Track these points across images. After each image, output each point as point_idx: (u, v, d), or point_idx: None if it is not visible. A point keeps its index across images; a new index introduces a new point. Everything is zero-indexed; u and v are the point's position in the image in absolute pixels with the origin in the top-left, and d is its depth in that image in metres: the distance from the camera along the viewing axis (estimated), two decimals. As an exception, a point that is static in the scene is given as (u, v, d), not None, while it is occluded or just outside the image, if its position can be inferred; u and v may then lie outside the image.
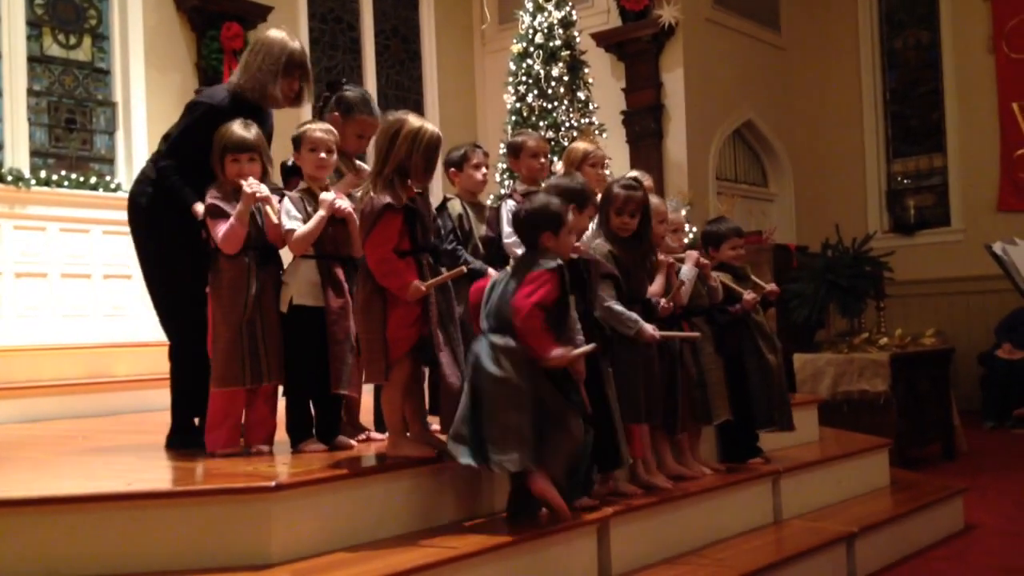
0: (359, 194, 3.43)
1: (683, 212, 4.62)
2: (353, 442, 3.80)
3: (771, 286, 4.65)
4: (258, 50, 3.90)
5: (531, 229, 3.42)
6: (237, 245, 3.65)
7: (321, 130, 3.77)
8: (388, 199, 3.32)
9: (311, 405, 3.78)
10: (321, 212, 3.64)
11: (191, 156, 3.82)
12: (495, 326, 3.33)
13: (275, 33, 3.95)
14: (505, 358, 3.24)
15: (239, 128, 3.76)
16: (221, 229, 3.66)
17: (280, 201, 3.72)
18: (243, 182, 3.65)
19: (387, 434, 3.62)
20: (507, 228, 4.22)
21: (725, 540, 4.05)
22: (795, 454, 4.85)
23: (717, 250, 4.57)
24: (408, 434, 3.50)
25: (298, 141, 3.80)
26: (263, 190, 3.66)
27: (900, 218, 10.50)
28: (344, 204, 3.69)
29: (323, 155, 3.75)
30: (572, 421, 3.27)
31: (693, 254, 4.34)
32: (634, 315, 3.77)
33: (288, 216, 3.66)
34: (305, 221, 3.66)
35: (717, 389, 4.31)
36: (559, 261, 3.33)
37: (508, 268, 3.48)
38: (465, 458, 3.22)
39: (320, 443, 3.71)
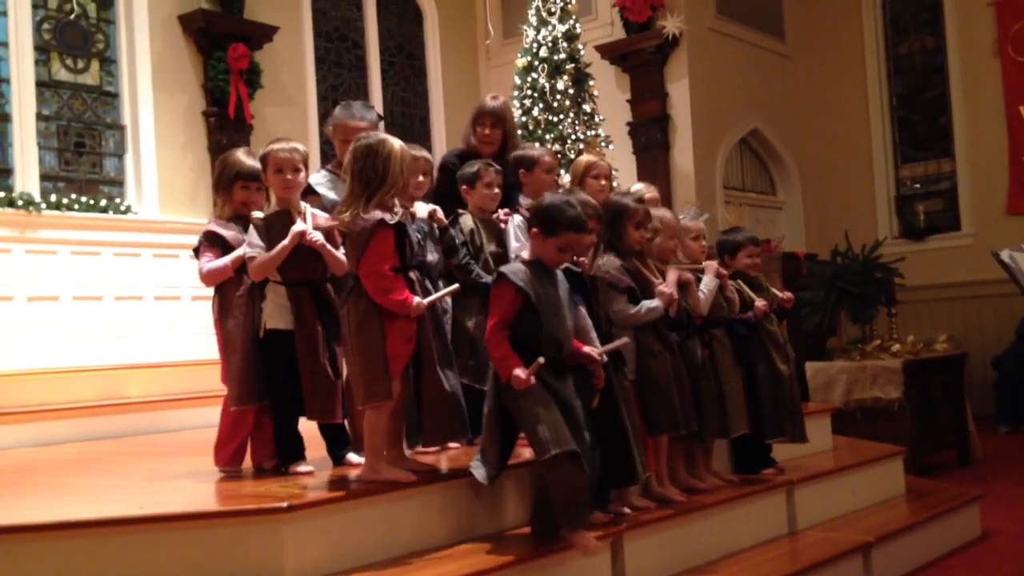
0: (345, 216, 3.38)
1: (702, 219, 4.63)
2: (361, 459, 3.74)
3: (786, 294, 4.67)
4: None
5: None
6: (216, 282, 3.76)
7: (286, 149, 3.69)
8: (380, 215, 3.31)
9: (320, 427, 3.76)
10: (284, 242, 3.57)
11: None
12: None
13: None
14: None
15: (247, 157, 3.85)
16: (212, 262, 3.73)
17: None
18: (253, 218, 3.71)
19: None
20: (515, 243, 4.24)
21: (740, 552, 4.04)
22: (809, 463, 4.83)
23: (733, 258, 4.60)
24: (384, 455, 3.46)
25: (262, 162, 3.71)
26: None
27: (910, 224, 10.46)
28: (316, 236, 3.56)
29: (289, 176, 3.67)
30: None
31: (713, 265, 4.36)
32: (649, 301, 3.83)
33: (249, 244, 3.64)
34: (270, 246, 3.60)
35: (735, 401, 4.31)
36: (515, 277, 3.29)
37: None
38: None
39: (310, 465, 3.67)
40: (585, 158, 4.75)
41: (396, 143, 3.42)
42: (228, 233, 3.78)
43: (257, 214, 3.76)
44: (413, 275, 3.43)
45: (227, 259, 3.71)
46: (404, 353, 3.34)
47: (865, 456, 5.22)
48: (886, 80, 10.68)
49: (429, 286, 3.53)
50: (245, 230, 3.75)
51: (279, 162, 3.68)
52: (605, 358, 3.46)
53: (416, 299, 3.32)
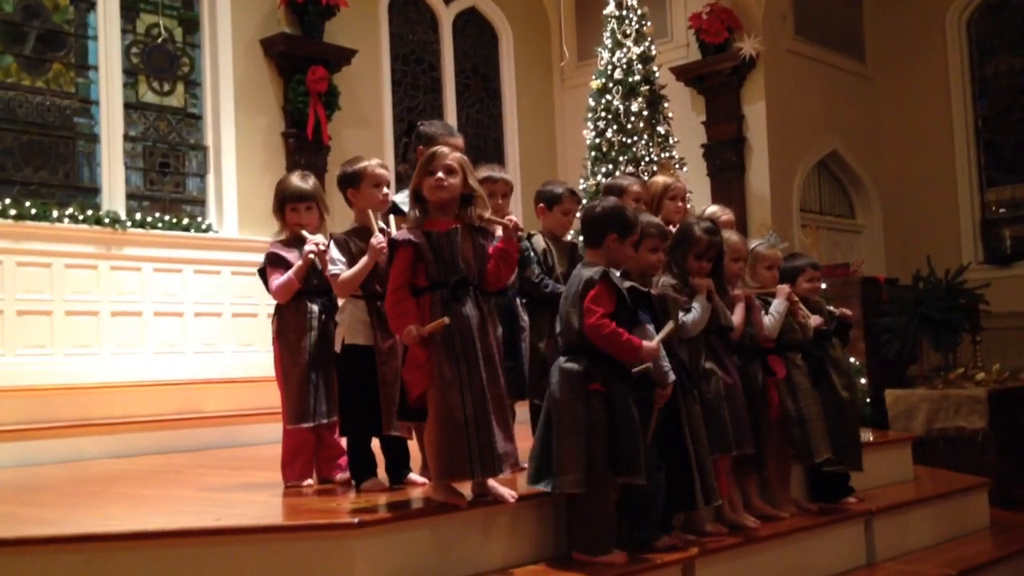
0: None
1: (780, 248, 4.59)
2: (424, 479, 3.73)
3: (842, 310, 4.66)
4: None
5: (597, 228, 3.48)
6: (288, 296, 3.85)
7: (382, 166, 3.81)
8: (396, 233, 3.30)
9: (381, 444, 3.78)
10: (365, 259, 3.59)
11: None
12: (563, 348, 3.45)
13: None
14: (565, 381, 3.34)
15: (297, 179, 3.99)
16: (277, 279, 3.85)
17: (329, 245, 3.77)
18: (308, 239, 3.81)
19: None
20: None
21: (816, 582, 3.94)
22: (889, 493, 4.71)
23: (793, 284, 4.55)
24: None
25: (354, 178, 3.75)
26: (322, 247, 3.77)
27: (995, 249, 10.15)
28: None
29: (386, 190, 3.79)
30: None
31: (784, 288, 4.33)
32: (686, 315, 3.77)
33: (332, 261, 3.67)
34: (352, 261, 3.64)
35: (816, 425, 4.22)
36: (616, 280, 3.36)
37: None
38: (534, 483, 3.33)
39: (382, 482, 3.70)
40: (662, 179, 4.74)
41: (431, 150, 3.36)
42: (289, 255, 3.91)
43: (314, 237, 3.84)
44: (439, 296, 3.24)
45: (290, 273, 3.84)
46: (417, 378, 3.22)
47: (948, 487, 5.06)
48: (971, 101, 10.41)
49: (471, 309, 3.25)
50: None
51: (378, 178, 3.76)
52: (672, 376, 3.48)
53: (409, 328, 3.18)
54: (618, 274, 3.53)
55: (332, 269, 3.66)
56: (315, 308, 3.86)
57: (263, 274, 3.98)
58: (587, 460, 3.26)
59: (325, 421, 3.83)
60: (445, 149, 3.37)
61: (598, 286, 3.34)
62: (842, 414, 4.40)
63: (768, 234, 4.80)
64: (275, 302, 3.98)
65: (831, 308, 4.64)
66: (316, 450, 3.95)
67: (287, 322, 3.89)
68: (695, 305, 3.78)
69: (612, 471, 3.27)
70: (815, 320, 4.45)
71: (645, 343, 3.32)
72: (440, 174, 3.27)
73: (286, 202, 3.95)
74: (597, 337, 3.30)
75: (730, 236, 4.18)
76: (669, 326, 3.45)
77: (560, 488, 3.27)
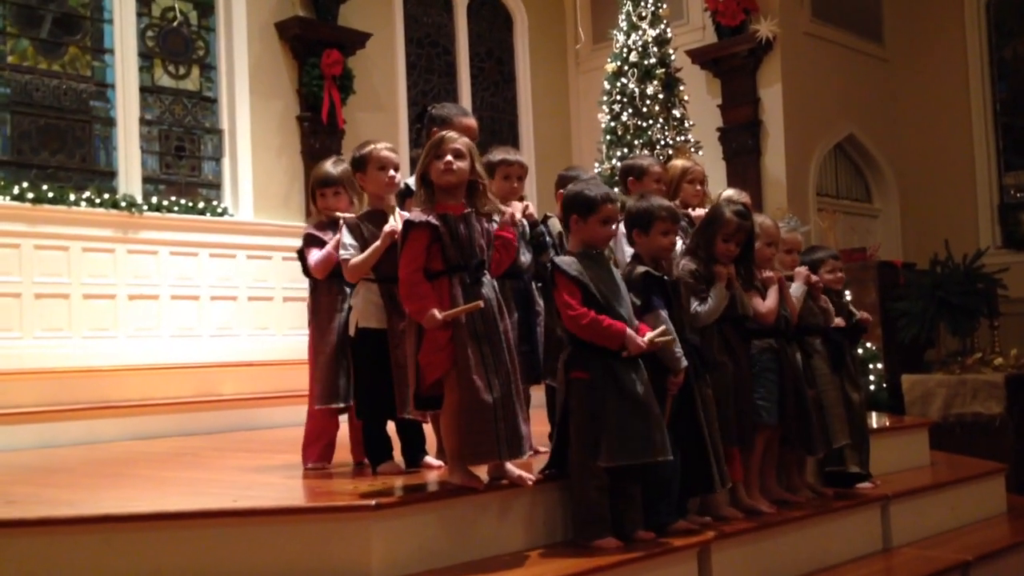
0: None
1: (800, 232, 4.58)
2: (440, 463, 3.74)
3: (863, 314, 4.67)
4: None
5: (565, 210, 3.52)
6: (326, 271, 3.85)
7: (388, 148, 3.80)
8: (410, 215, 3.27)
9: (396, 427, 3.79)
10: (376, 244, 3.56)
11: None
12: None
13: None
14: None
15: (328, 166, 4.02)
16: (315, 255, 3.87)
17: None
18: (340, 218, 3.82)
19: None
20: (627, 248, 4.19)
21: (832, 568, 3.95)
22: (905, 479, 4.70)
23: (815, 275, 4.52)
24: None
25: (361, 162, 3.77)
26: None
27: (1013, 233, 10.08)
28: None
29: (392, 173, 3.77)
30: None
31: (802, 271, 4.32)
32: (702, 305, 3.74)
33: (343, 245, 3.65)
34: (364, 245, 3.62)
35: (835, 411, 4.21)
36: (569, 268, 3.34)
37: None
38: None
39: (399, 465, 3.72)
40: (680, 163, 4.73)
41: (441, 134, 3.33)
42: (324, 236, 3.92)
43: (345, 215, 3.83)
44: (458, 279, 3.22)
45: (328, 247, 3.83)
46: (437, 362, 3.18)
47: (964, 472, 5.05)
48: (989, 85, 10.32)
49: (489, 291, 3.26)
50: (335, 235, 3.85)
51: (382, 160, 3.75)
52: (684, 362, 3.47)
53: (432, 311, 3.14)
54: (626, 258, 3.53)
55: (343, 254, 3.65)
56: (348, 291, 3.87)
57: (302, 256, 3.99)
58: (563, 445, 3.38)
59: (353, 403, 3.84)
60: (454, 134, 3.36)
61: (557, 278, 3.37)
62: (850, 415, 4.37)
63: (788, 217, 4.79)
64: (296, 288, 4.01)
65: (852, 309, 4.64)
66: (349, 433, 3.96)
67: (320, 303, 3.94)
68: (711, 294, 3.75)
69: (592, 457, 3.28)
70: (837, 322, 4.44)
71: (629, 332, 3.29)
72: (449, 157, 3.25)
73: (315, 187, 4.02)
74: (578, 329, 3.32)
75: (763, 220, 4.16)
76: (660, 329, 3.39)
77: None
